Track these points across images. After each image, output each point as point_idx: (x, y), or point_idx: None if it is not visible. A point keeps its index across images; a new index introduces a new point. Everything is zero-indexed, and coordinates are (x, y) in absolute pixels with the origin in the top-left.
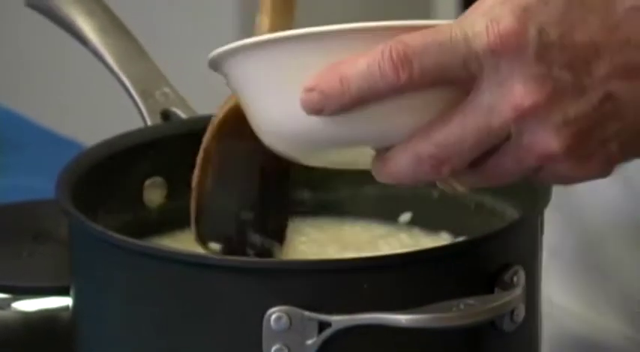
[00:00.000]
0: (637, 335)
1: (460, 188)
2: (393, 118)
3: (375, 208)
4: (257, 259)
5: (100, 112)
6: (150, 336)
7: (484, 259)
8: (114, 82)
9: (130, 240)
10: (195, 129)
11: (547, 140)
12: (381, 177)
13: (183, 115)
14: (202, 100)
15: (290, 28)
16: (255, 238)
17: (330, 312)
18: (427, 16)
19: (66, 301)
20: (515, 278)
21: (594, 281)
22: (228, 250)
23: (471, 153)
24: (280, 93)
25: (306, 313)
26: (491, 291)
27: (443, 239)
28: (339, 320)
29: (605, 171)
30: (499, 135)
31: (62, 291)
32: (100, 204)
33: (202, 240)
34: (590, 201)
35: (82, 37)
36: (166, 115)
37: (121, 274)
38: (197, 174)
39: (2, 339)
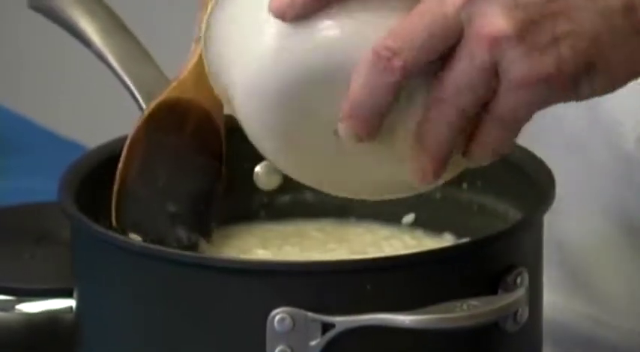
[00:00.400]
0: (590, 310)
1: (430, 175)
2: (356, 26)
3: (378, 210)
4: (260, 260)
5: (102, 114)
6: (153, 338)
7: (488, 260)
8: (117, 84)
9: (132, 241)
10: None
11: (497, 20)
12: (346, 108)
13: None
14: None
15: None
16: (181, 232)
17: (334, 313)
18: None
19: (68, 303)
20: (518, 280)
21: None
22: (149, 242)
23: (425, 46)
24: (252, 26)
25: (310, 314)
26: (495, 292)
27: (446, 240)
28: (342, 321)
29: (559, 78)
30: (451, 27)
31: (65, 293)
32: (103, 206)
33: (122, 229)
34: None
35: (85, 39)
36: None
37: (123, 276)
38: (122, 161)
39: (5, 341)
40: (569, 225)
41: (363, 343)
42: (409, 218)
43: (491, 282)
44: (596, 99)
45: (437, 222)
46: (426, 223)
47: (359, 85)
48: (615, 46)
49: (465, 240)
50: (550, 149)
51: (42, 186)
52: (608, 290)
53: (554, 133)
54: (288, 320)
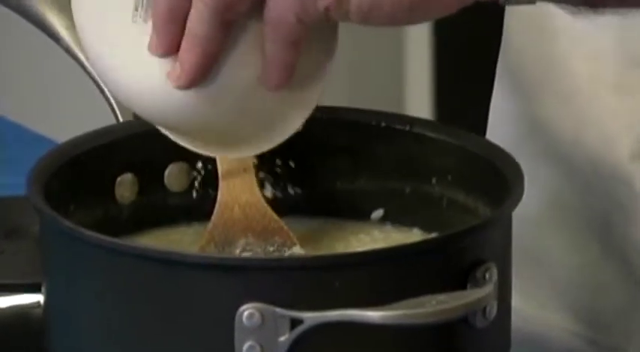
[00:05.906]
0: (576, 327)
1: None
2: None
3: (347, 205)
4: (229, 256)
5: (72, 109)
6: (121, 333)
7: (457, 255)
8: (87, 78)
9: (101, 236)
10: None
11: None
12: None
13: None
14: None
15: None
16: None
17: (303, 309)
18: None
19: (38, 298)
20: (487, 275)
21: (529, 273)
22: None
23: None
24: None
25: (278, 310)
26: (464, 288)
27: (415, 235)
28: (311, 317)
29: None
30: None
31: (34, 288)
32: (72, 201)
33: None
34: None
35: (53, 34)
36: None
37: (92, 271)
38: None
39: None
40: (548, 236)
41: (332, 339)
42: (378, 213)
43: (460, 277)
44: (584, 113)
45: (406, 217)
46: (395, 218)
47: None
48: None
49: (433, 235)
50: (530, 156)
51: (12, 180)
52: (591, 307)
53: (534, 140)
54: (257, 316)
